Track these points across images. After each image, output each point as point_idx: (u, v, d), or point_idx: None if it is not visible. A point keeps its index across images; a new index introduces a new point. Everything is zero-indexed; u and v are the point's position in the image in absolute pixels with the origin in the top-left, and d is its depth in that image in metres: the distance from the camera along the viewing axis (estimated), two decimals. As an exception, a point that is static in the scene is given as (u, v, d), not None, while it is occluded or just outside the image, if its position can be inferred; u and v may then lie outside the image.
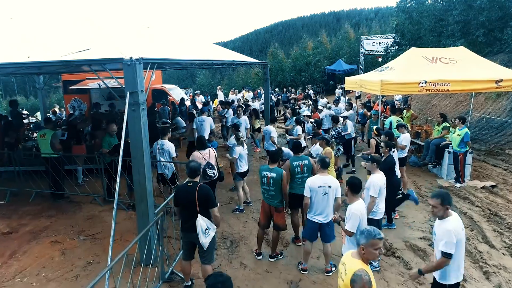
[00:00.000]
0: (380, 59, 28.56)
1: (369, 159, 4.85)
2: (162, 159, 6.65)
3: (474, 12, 17.87)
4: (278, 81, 34.37)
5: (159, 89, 14.83)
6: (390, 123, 8.92)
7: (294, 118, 9.15)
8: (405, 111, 10.97)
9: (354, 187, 3.73)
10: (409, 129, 9.55)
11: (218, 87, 23.76)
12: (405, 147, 7.10)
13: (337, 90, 21.70)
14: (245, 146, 6.95)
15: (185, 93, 31.29)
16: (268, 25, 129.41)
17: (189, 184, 4.11)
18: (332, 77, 32.24)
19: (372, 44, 29.64)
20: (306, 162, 5.30)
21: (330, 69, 31.37)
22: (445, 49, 10.58)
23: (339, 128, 8.34)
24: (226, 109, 11.67)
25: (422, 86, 8.55)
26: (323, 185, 4.47)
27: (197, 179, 4.19)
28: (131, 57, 4.46)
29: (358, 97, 21.99)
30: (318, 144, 6.45)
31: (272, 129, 8.49)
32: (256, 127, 11.61)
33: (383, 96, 13.43)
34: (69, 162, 8.22)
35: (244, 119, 9.44)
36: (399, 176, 6.23)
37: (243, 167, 6.74)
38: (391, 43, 24.38)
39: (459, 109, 14.65)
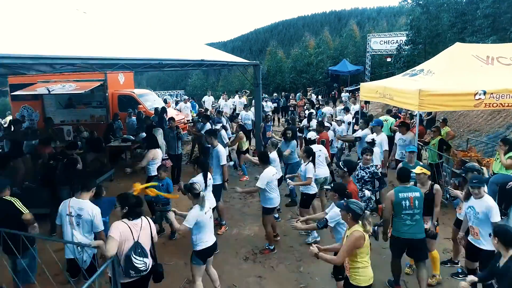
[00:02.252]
0: (389, 59, 25.83)
1: None
2: (77, 235, 3.81)
3: (508, 3, 15.11)
4: (276, 83, 31.66)
5: (127, 95, 12.07)
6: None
7: (303, 148, 6.22)
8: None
9: None
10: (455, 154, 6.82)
11: (208, 92, 20.24)
12: None
13: (343, 94, 18.78)
14: (207, 206, 4.14)
15: (174, 96, 28.63)
16: (268, 25, 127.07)
17: None
18: (336, 79, 29.45)
19: (380, 43, 26.84)
20: (417, 194, 4.12)
21: (334, 70, 28.67)
22: (504, 45, 7.78)
23: (373, 167, 5.54)
24: (202, 123, 8.82)
25: (479, 98, 5.82)
26: None
27: None
28: None
29: (367, 102, 19.06)
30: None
31: (309, 168, 5.49)
32: (244, 148, 8.82)
33: (400, 109, 10.62)
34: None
35: (219, 149, 5.99)
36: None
37: (204, 240, 3.97)
38: (403, 41, 21.56)
39: (497, 122, 11.86)
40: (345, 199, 3.92)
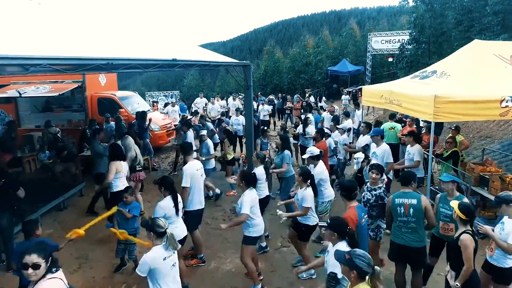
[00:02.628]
0: (391, 59, 24.88)
1: None
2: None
3: (519, -1, 14.18)
4: (274, 84, 30.63)
5: (108, 98, 11.09)
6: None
7: (298, 170, 5.10)
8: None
9: None
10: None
11: (201, 94, 18.93)
12: None
13: (343, 97, 17.73)
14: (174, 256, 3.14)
15: (169, 97, 27.59)
16: (268, 24, 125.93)
17: None
18: (336, 80, 28.47)
19: (381, 42, 25.91)
20: (414, 202, 3.82)
21: (333, 71, 27.71)
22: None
23: (381, 188, 4.51)
24: (183, 132, 7.80)
25: (506, 106, 4.87)
26: None
27: None
28: None
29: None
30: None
31: (307, 194, 4.44)
32: (230, 158, 7.84)
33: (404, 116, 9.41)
34: None
35: (195, 164, 4.98)
36: None
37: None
38: (406, 40, 20.57)
39: (511, 128, 10.87)
40: (348, 240, 2.97)
